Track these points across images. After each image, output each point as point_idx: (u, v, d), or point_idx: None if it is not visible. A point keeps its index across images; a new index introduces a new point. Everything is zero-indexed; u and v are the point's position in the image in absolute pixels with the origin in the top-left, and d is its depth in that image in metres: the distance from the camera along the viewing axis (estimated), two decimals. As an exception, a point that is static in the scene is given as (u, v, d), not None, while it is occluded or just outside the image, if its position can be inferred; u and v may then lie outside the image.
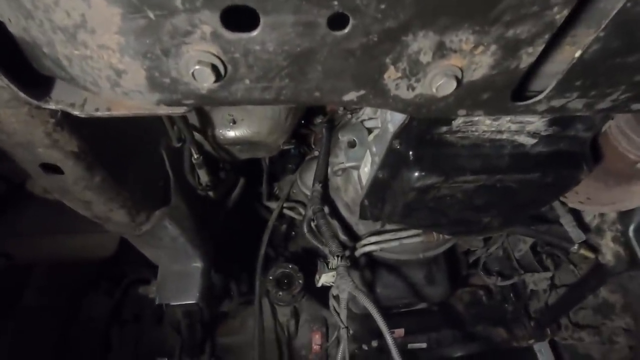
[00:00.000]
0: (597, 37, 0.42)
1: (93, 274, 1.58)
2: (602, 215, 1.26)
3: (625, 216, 1.18)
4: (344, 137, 1.25)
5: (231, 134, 1.20)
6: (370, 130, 1.21)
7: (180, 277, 1.10)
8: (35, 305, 1.40)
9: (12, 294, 1.35)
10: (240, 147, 1.30)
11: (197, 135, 1.14)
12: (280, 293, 1.46)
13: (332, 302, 1.21)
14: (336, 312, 1.16)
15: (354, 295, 1.04)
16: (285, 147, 1.47)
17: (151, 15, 0.35)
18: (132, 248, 1.07)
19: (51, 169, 0.67)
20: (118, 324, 1.60)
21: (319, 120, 1.50)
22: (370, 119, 1.23)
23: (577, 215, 1.33)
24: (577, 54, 0.44)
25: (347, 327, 1.10)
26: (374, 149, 1.08)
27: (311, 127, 1.54)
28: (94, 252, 1.10)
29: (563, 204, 1.29)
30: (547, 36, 0.41)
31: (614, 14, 0.40)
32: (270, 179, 1.66)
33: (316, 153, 1.51)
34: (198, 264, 1.12)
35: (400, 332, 1.76)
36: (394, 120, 0.93)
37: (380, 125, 1.10)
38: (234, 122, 1.18)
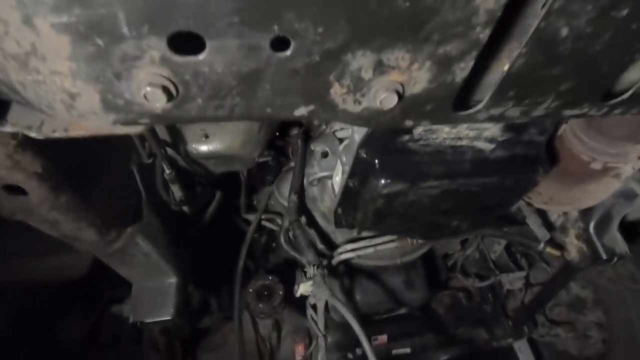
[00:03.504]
0: (520, 53, 0.47)
1: (67, 295, 1.54)
2: (565, 214, 1.32)
3: (586, 214, 1.24)
4: (317, 148, 1.28)
5: (204, 148, 1.21)
6: (341, 140, 1.24)
7: (154, 294, 1.09)
8: (6, 330, 1.36)
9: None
10: (214, 161, 1.31)
11: (169, 151, 1.15)
12: (261, 305, 1.46)
13: (309, 311, 1.22)
14: (314, 320, 1.18)
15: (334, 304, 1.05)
16: (263, 159, 1.48)
17: (100, 42, 0.37)
18: (108, 267, 1.06)
19: (14, 190, 0.67)
20: (95, 347, 1.56)
21: (295, 131, 1.53)
22: (342, 129, 1.27)
23: (543, 215, 1.40)
24: (506, 68, 0.48)
25: (324, 335, 1.12)
26: (344, 159, 1.11)
27: (287, 139, 1.57)
28: (65, 274, 1.09)
29: (529, 204, 1.35)
30: (475, 52, 0.45)
31: (532, 32, 0.44)
32: (248, 191, 1.67)
33: (293, 164, 1.53)
34: (172, 280, 1.11)
35: (383, 338, 1.77)
36: (360, 130, 0.97)
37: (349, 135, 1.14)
38: (207, 137, 1.20)
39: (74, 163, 0.75)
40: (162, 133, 1.12)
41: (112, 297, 1.52)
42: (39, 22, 0.35)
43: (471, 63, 0.47)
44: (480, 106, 0.53)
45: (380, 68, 0.45)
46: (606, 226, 1.21)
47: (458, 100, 0.53)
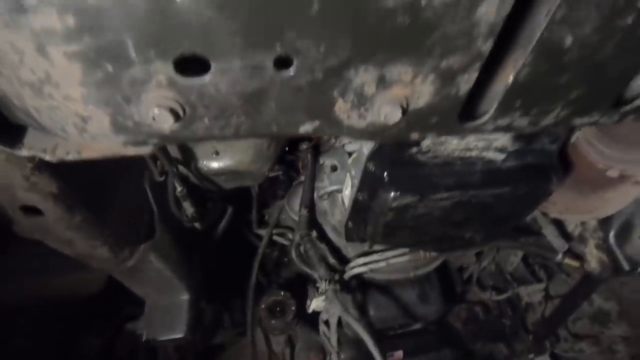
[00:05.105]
0: (525, 62, 0.46)
1: (85, 312, 1.55)
2: (583, 223, 1.28)
3: (605, 223, 1.20)
4: (326, 162, 1.28)
5: (215, 164, 1.22)
6: (351, 154, 1.24)
7: (167, 311, 1.10)
8: (25, 346, 1.37)
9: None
10: (225, 177, 1.32)
11: (181, 168, 1.17)
12: (274, 321, 1.44)
13: (322, 327, 1.20)
14: (326, 336, 1.16)
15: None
16: (274, 174, 1.49)
17: (109, 68, 0.39)
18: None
19: (31, 210, 0.69)
20: (113, 363, 1.57)
21: (304, 146, 1.53)
22: (351, 142, 1.27)
23: (560, 225, 1.36)
24: (511, 78, 0.48)
25: (338, 352, 1.10)
26: (353, 172, 1.11)
27: (297, 153, 1.57)
28: (80, 291, 1.10)
29: (545, 214, 1.32)
30: (478, 64, 0.45)
31: (535, 41, 0.44)
32: (260, 206, 1.67)
33: (303, 178, 1.53)
34: (185, 297, 1.11)
35: (399, 354, 1.72)
36: (368, 143, 0.97)
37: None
38: (217, 153, 1.21)
39: (89, 183, 0.77)
40: (174, 151, 1.14)
41: (128, 313, 1.53)
42: (52, 51, 0.37)
43: (475, 75, 0.46)
44: (486, 117, 0.53)
45: (383, 83, 0.45)
46: (627, 235, 1.17)
47: (464, 112, 0.53)
